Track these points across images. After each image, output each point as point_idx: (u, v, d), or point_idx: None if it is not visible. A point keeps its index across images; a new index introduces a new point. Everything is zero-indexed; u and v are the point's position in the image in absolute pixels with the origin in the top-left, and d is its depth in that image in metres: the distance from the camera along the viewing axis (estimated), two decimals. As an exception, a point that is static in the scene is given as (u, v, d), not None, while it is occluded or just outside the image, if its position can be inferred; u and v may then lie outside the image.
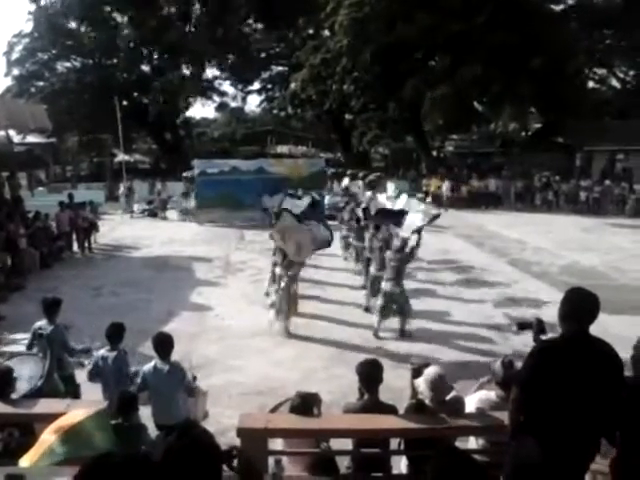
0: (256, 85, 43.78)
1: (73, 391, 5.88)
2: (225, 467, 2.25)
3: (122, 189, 24.31)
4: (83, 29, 37.58)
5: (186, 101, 41.82)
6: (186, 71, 39.26)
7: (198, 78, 39.79)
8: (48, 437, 3.25)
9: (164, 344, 5.04)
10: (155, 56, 38.60)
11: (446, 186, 25.24)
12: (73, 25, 37.44)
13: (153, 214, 22.33)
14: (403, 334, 8.72)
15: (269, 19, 37.49)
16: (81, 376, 6.03)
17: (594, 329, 3.16)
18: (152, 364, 5.02)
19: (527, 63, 24.18)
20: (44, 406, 4.10)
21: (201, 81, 40.28)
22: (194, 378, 5.16)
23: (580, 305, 3.12)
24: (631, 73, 33.70)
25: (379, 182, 20.01)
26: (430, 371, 4.07)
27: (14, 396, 4.42)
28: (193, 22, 37.04)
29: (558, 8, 27.62)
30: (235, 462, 2.30)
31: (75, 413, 3.45)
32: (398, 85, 27.45)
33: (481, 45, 24.40)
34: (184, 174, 23.31)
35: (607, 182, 24.05)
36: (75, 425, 3.28)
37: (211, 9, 35.68)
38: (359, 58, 27.77)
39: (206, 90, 42.24)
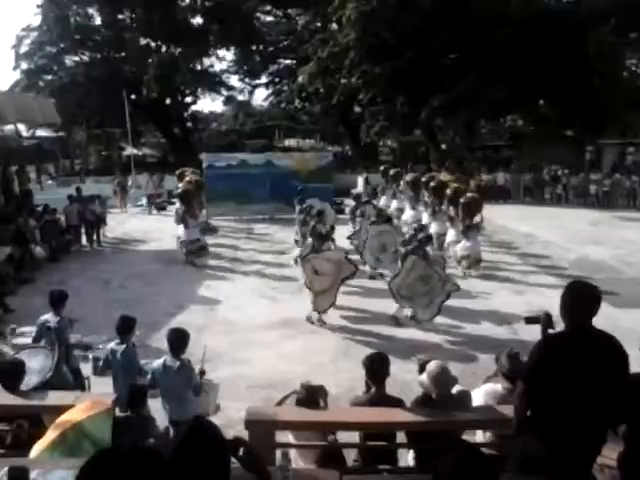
0: (263, 79, 43.78)
1: (80, 384, 5.92)
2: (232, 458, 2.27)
3: (130, 182, 24.34)
4: (91, 23, 37.71)
5: (195, 95, 41.87)
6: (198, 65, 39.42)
7: (201, 66, 39.87)
8: (50, 434, 3.27)
9: (179, 341, 4.90)
10: (163, 49, 38.64)
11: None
12: (82, 19, 37.53)
13: (161, 208, 22.33)
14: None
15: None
16: (86, 369, 6.11)
17: (603, 323, 3.15)
18: (161, 361, 4.90)
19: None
20: (53, 398, 4.14)
21: (204, 73, 40.22)
22: (202, 373, 5.12)
23: (579, 298, 3.11)
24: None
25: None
26: (432, 365, 4.05)
27: (24, 388, 4.47)
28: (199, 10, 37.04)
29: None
30: (240, 452, 2.31)
31: (79, 408, 3.45)
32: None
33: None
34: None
35: (617, 175, 23.87)
36: (74, 425, 3.29)
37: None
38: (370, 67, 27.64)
39: (214, 84, 42.24)
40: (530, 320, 3.75)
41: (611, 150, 29.02)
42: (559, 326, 3.34)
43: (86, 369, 6.14)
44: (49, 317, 5.96)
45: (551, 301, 8.10)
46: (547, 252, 14.06)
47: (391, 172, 18.51)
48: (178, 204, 14.88)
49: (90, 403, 3.52)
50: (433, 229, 12.73)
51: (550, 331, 3.49)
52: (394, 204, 16.52)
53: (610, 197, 23.12)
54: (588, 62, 24.45)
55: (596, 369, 3.00)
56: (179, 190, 15.53)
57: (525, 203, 23.68)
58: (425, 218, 13.86)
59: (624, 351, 3.07)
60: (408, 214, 14.99)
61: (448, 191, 13.35)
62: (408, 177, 16.90)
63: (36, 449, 3.22)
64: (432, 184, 14.46)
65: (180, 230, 13.48)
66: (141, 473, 1.69)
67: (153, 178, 23.16)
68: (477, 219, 12.30)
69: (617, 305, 8.89)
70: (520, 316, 8.64)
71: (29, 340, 6.13)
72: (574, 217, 19.56)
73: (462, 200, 12.34)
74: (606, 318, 3.13)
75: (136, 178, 25.51)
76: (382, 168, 21.05)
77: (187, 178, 16.80)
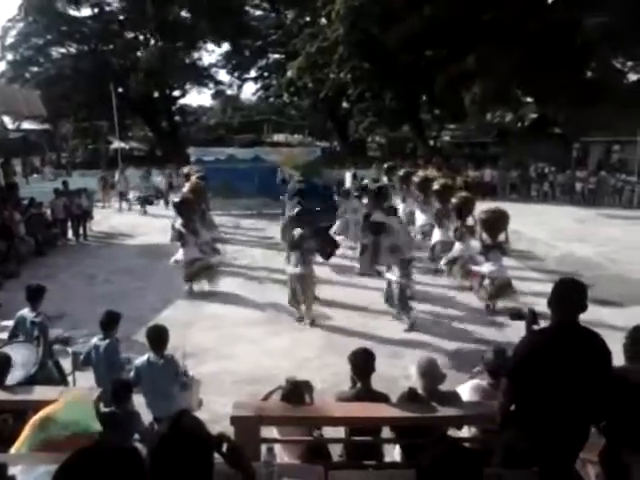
0: (252, 73, 43.68)
1: (64, 379, 5.88)
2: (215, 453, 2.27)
3: (117, 177, 24.11)
4: (78, 14, 37.38)
5: (183, 88, 41.65)
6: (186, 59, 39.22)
7: (189, 60, 39.68)
8: (28, 427, 3.26)
9: (159, 338, 4.88)
10: (152, 42, 38.38)
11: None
12: (68, 10, 37.15)
13: (149, 202, 22.11)
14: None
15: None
16: (65, 364, 6.08)
17: (587, 319, 3.17)
18: (145, 358, 4.90)
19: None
20: (38, 393, 4.11)
21: (192, 67, 40.04)
22: (185, 371, 5.12)
23: (567, 295, 3.14)
24: (629, 64, 33.47)
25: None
26: (421, 359, 4.08)
27: (9, 383, 4.43)
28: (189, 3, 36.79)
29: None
30: (224, 448, 2.31)
31: (58, 402, 3.43)
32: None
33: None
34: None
35: (603, 173, 24.08)
36: (50, 414, 3.27)
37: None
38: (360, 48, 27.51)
39: (202, 77, 42.07)
40: (515, 316, 3.79)
41: (597, 148, 29.27)
42: (543, 322, 3.37)
43: (65, 364, 6.11)
44: (26, 312, 5.87)
45: (536, 298, 8.20)
46: (533, 249, 14.14)
47: (401, 172, 16.73)
48: (175, 217, 11.83)
49: (70, 396, 3.49)
50: (436, 237, 11.86)
51: (534, 327, 3.52)
52: (402, 208, 14.22)
53: (596, 194, 23.31)
54: (577, 55, 24.56)
55: (580, 366, 3.03)
56: (175, 200, 12.30)
57: (511, 200, 23.74)
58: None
59: (607, 348, 3.11)
60: (420, 219, 13.52)
61: (454, 200, 11.31)
62: (416, 178, 14.57)
63: (14, 447, 3.21)
64: (435, 187, 12.55)
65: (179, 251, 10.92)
66: (120, 472, 1.69)
67: (125, 174, 22.83)
68: (501, 238, 9.83)
69: (601, 302, 8.96)
70: (505, 312, 8.75)
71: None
72: (560, 214, 19.70)
73: (482, 217, 9.93)
74: (590, 315, 3.16)
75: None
76: (386, 166, 20.42)
77: (192, 181, 13.87)
